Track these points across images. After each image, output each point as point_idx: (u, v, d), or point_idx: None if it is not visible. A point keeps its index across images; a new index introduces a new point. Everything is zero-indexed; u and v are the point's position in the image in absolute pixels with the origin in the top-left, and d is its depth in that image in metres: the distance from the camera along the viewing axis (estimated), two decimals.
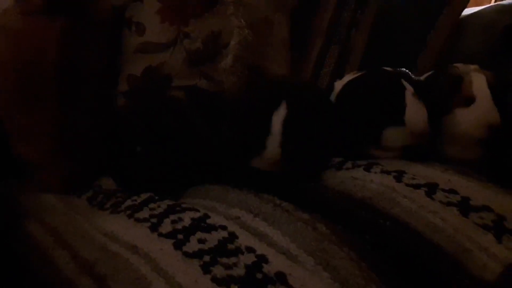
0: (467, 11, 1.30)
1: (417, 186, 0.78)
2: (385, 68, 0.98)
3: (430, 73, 1.01)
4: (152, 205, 0.76)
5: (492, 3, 1.56)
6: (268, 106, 0.85)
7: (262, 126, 0.83)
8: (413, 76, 0.98)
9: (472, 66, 0.95)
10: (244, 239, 0.66)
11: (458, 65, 0.97)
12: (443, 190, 0.77)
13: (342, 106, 0.98)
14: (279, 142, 0.82)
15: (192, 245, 0.64)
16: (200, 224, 0.69)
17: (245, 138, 0.86)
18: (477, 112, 0.88)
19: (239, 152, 0.87)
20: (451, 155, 0.91)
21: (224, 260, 0.61)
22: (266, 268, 0.60)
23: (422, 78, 1.01)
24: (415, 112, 0.88)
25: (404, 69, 0.99)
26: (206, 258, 0.62)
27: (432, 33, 1.23)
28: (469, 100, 0.90)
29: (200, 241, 0.65)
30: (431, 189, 0.77)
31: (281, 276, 0.59)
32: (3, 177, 0.93)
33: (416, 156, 0.89)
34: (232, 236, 0.66)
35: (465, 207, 0.73)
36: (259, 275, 0.59)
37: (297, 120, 0.84)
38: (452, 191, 0.77)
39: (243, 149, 0.86)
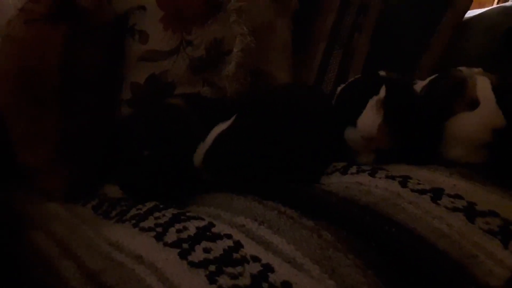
0: (470, 13, 1.30)
1: (422, 192, 0.77)
2: (383, 72, 0.97)
3: (433, 76, 1.01)
4: (157, 214, 0.76)
5: (495, 5, 1.56)
6: (220, 118, 0.88)
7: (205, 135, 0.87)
8: (403, 82, 0.98)
9: (476, 69, 0.95)
10: (249, 248, 0.66)
11: (462, 68, 0.96)
12: (448, 195, 0.76)
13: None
14: (205, 150, 0.84)
15: (198, 255, 0.64)
16: (205, 233, 0.69)
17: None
18: (481, 115, 0.88)
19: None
20: (456, 159, 0.91)
21: (230, 269, 0.61)
22: (272, 277, 0.60)
23: (425, 81, 1.01)
24: (367, 117, 0.89)
25: (407, 75, 0.99)
26: (212, 267, 0.62)
27: (435, 35, 1.23)
28: (473, 104, 0.90)
29: (205, 250, 0.65)
30: (436, 194, 0.77)
31: (287, 286, 0.59)
32: (7, 184, 0.93)
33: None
34: (237, 245, 0.66)
35: (471, 212, 0.73)
36: (265, 285, 0.59)
37: (238, 132, 0.85)
38: (458, 196, 0.76)
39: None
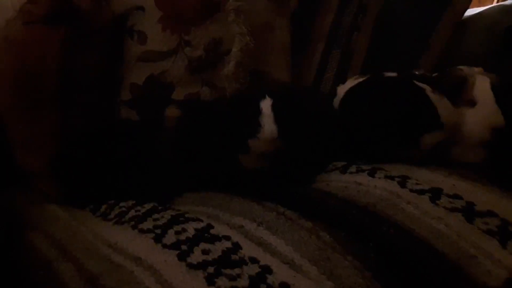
0: (470, 11, 1.30)
1: (421, 192, 0.77)
2: (387, 73, 0.97)
3: (433, 75, 1.01)
4: (155, 216, 0.76)
5: (494, 4, 1.56)
6: (254, 99, 0.85)
7: (253, 110, 0.83)
8: (417, 73, 0.97)
9: (476, 69, 0.95)
10: (247, 250, 0.66)
11: (463, 67, 0.96)
12: (447, 195, 0.76)
13: (352, 113, 0.98)
14: (273, 119, 0.81)
15: (196, 256, 0.64)
16: (204, 235, 0.69)
17: (238, 123, 0.85)
18: (480, 114, 0.88)
19: (235, 138, 0.85)
20: (456, 157, 0.91)
21: (228, 271, 0.61)
22: (270, 279, 0.60)
23: None
24: (446, 110, 0.87)
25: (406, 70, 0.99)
26: (210, 269, 0.61)
27: (434, 34, 1.23)
28: (473, 103, 0.90)
29: (204, 252, 0.65)
30: (435, 194, 0.77)
31: (285, 287, 0.59)
32: (6, 186, 0.94)
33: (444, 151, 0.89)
34: (236, 247, 0.66)
35: (469, 212, 0.73)
36: (263, 286, 0.59)
37: (283, 106, 0.83)
38: (457, 196, 0.76)
39: (238, 133, 0.84)
